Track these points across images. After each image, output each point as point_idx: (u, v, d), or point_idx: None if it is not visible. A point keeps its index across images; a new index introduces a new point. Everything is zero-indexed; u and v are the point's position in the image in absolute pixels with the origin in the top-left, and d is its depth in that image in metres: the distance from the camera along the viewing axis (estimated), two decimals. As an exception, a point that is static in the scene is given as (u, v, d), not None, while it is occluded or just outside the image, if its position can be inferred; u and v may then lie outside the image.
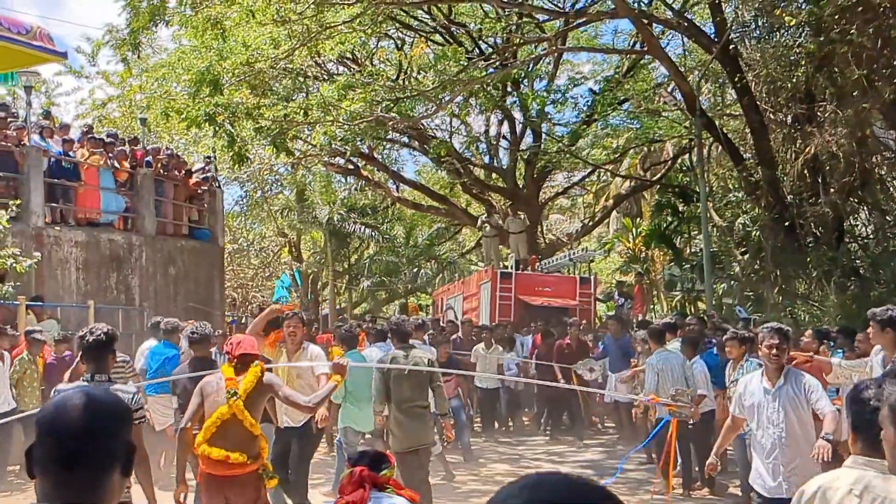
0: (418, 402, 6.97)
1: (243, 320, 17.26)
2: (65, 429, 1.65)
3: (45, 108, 18.22)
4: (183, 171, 15.48)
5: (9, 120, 12.61)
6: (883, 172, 14.82)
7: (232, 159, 15.29)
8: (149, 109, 15.16)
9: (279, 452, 6.82)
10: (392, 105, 16.19)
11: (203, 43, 14.34)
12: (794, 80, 14.50)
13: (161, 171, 14.76)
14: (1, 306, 11.02)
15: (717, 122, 16.95)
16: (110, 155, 13.81)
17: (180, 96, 14.34)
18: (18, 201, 11.48)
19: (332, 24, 14.32)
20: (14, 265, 10.57)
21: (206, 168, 16.59)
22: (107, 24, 15.98)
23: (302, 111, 15.10)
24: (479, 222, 19.41)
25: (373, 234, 26.60)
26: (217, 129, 13.81)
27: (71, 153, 13.16)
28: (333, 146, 17.90)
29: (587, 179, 25.99)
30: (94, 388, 2.14)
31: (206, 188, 16.06)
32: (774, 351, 5.06)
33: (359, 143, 19.72)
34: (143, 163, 14.47)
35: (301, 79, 18.97)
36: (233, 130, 14.12)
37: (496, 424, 13.22)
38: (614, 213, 26.62)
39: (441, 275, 28.80)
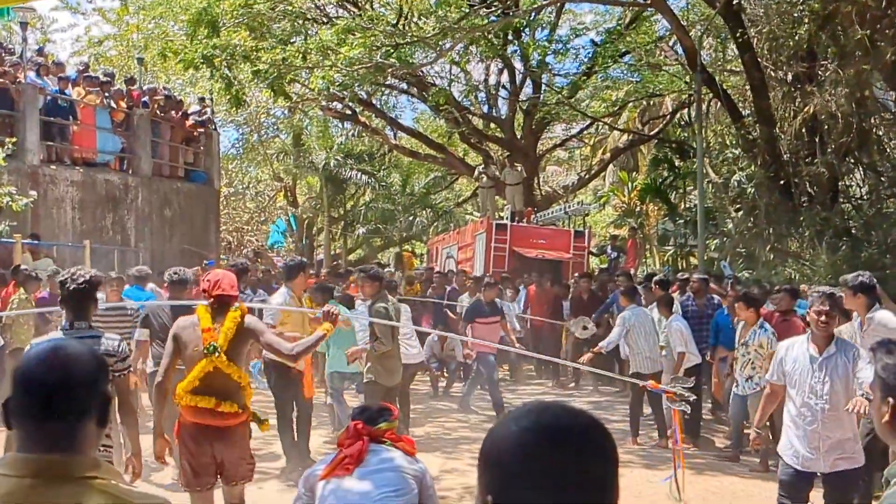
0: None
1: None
2: (36, 381, 1.69)
3: (41, 44, 18.00)
4: (180, 113, 15.38)
5: (4, 57, 12.47)
6: (881, 134, 14.81)
7: (229, 102, 15.22)
8: (146, 49, 15.00)
9: None
10: (391, 51, 16.03)
11: (201, -19, 14.15)
12: (797, 38, 14.40)
13: (158, 112, 14.68)
14: (-3, 244, 11.08)
15: (717, 78, 16.86)
16: (106, 94, 13.72)
17: (178, 37, 14.18)
18: (14, 139, 11.46)
19: (332, -33, 14.14)
20: (10, 203, 10.60)
21: (203, 110, 16.48)
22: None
23: (300, 55, 14.97)
24: (476, 173, 19.40)
25: (369, 180, 26.54)
26: (214, 71, 13.72)
27: (67, 91, 13.06)
28: (332, 91, 17.76)
29: (585, 132, 25.88)
30: (67, 340, 2.14)
31: (202, 130, 15.98)
32: (824, 318, 4.74)
33: (357, 88, 19.59)
34: (140, 103, 14.39)
35: (300, 21, 18.74)
36: (230, 73, 14.02)
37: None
38: (611, 166, 26.59)
39: (436, 223, 28.84)
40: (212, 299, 4.76)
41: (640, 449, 9.04)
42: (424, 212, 28.20)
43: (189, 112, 15.88)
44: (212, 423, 4.58)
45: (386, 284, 8.01)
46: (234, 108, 14.95)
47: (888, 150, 15.09)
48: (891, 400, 2.29)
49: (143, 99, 14.50)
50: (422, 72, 20.62)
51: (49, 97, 12.79)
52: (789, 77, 15.29)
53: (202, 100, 16.93)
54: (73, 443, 1.69)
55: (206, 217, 16.17)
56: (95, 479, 1.68)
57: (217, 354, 4.59)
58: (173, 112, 15.18)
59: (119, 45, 19.34)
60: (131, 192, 14.16)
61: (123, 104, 14.12)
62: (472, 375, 11.20)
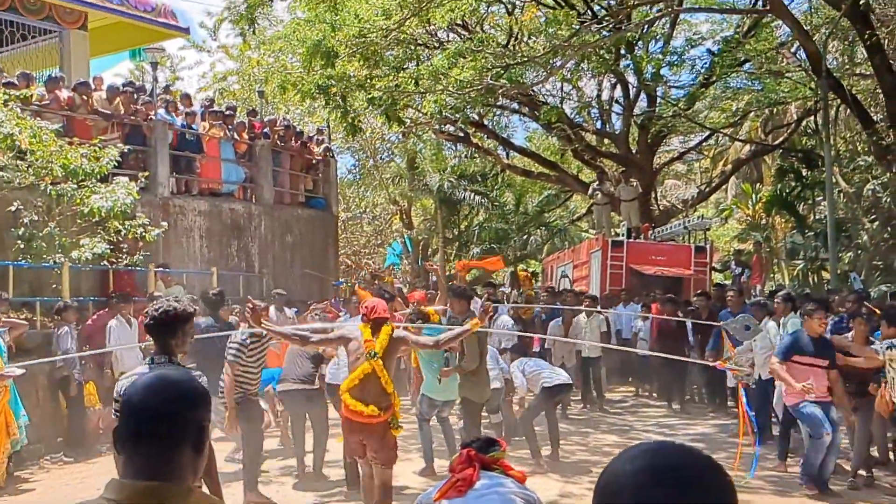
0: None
1: (355, 286, 17.68)
2: (136, 409, 1.79)
3: (169, 82, 19.03)
4: (299, 142, 15.91)
5: (136, 95, 13.24)
6: None
7: (345, 130, 15.62)
8: (266, 82, 15.62)
9: None
10: (502, 72, 16.08)
11: (317, 15, 14.63)
12: (933, 36, 13.56)
13: (278, 141, 15.22)
14: (132, 273, 11.69)
15: (844, 83, 16.05)
16: (230, 127, 14.34)
17: (295, 69, 14.69)
18: (147, 173, 12.11)
19: (444, -8, 14.31)
20: (143, 234, 11.19)
21: (321, 139, 16.99)
22: (228, 0, 16.53)
23: (413, 81, 15.22)
24: (591, 190, 19.13)
25: (482, 201, 26.63)
26: (329, 100, 14.11)
27: (194, 126, 13.73)
28: (444, 114, 17.96)
29: (704, 144, 25.12)
30: (169, 370, 2.23)
31: (321, 158, 16.46)
32: None
33: (469, 110, 19.73)
34: (262, 134, 14.96)
35: (412, 47, 19.08)
36: (344, 103, 14.38)
37: (594, 394, 12.95)
38: (733, 178, 25.69)
39: (551, 241, 28.62)
40: (370, 322, 6.00)
41: (771, 474, 8.60)
42: (538, 230, 28.06)
43: (307, 141, 16.39)
44: (358, 420, 5.87)
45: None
46: (351, 136, 15.33)
47: None
48: None
49: (264, 130, 15.07)
50: (533, 91, 20.56)
51: (178, 132, 13.48)
52: (925, 78, 14.40)
53: (320, 130, 17.46)
54: (170, 470, 1.76)
55: (325, 242, 16.60)
56: None
57: (376, 357, 5.87)
58: (293, 141, 15.71)
59: (242, 79, 20.25)
60: (254, 220, 14.71)
61: (245, 136, 14.72)
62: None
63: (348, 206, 27.14)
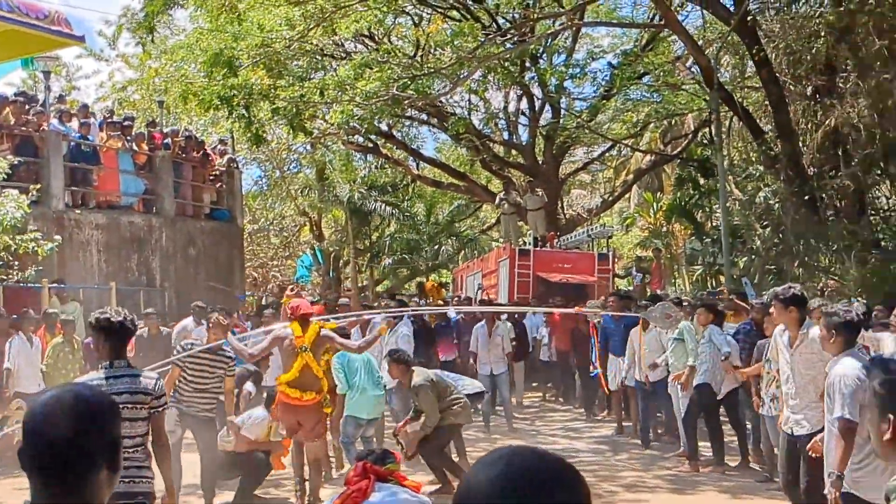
0: None
1: (263, 300, 17.42)
2: (46, 433, 1.65)
3: (65, 91, 18.41)
4: (201, 153, 15.61)
5: (28, 106, 12.76)
6: (905, 144, 14.56)
7: (249, 140, 15.42)
8: (167, 93, 15.29)
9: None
10: (409, 83, 16.18)
11: (218, 26, 14.43)
12: (815, 52, 14.30)
13: (179, 153, 14.90)
14: (25, 290, 11.25)
15: (736, 95, 16.76)
16: (128, 138, 13.97)
17: (197, 79, 14.43)
18: (39, 185, 11.67)
19: (347, 3, 14.33)
20: (35, 249, 10.76)
21: (224, 149, 16.71)
22: (124, 7, 16.10)
23: (318, 91, 15.16)
24: (497, 200, 19.40)
25: (393, 211, 26.63)
26: (233, 111, 13.91)
27: (90, 137, 13.32)
28: (351, 125, 17.93)
29: (607, 154, 25.81)
30: (74, 386, 2.14)
31: (224, 169, 16.19)
32: None
33: (377, 121, 19.73)
34: (162, 145, 14.62)
35: (318, 57, 18.98)
36: (248, 113, 14.21)
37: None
38: (635, 187, 26.46)
39: (462, 251, 28.85)
40: (297, 318, 7.00)
41: (668, 474, 8.88)
42: (450, 240, 28.22)
43: (210, 152, 16.10)
44: (295, 403, 6.92)
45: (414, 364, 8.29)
46: (255, 147, 15.14)
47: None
48: (891, 417, 2.22)
49: (164, 141, 14.73)
50: (441, 102, 20.74)
51: (72, 143, 13.04)
52: (809, 91, 15.17)
53: (222, 140, 17.17)
54: (84, 492, 1.66)
55: (230, 255, 16.32)
56: None
57: (306, 351, 6.87)
58: (195, 152, 15.40)
59: (142, 89, 19.74)
60: (155, 233, 14.35)
61: (145, 147, 14.36)
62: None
63: (255, 217, 26.71)
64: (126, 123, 14.02)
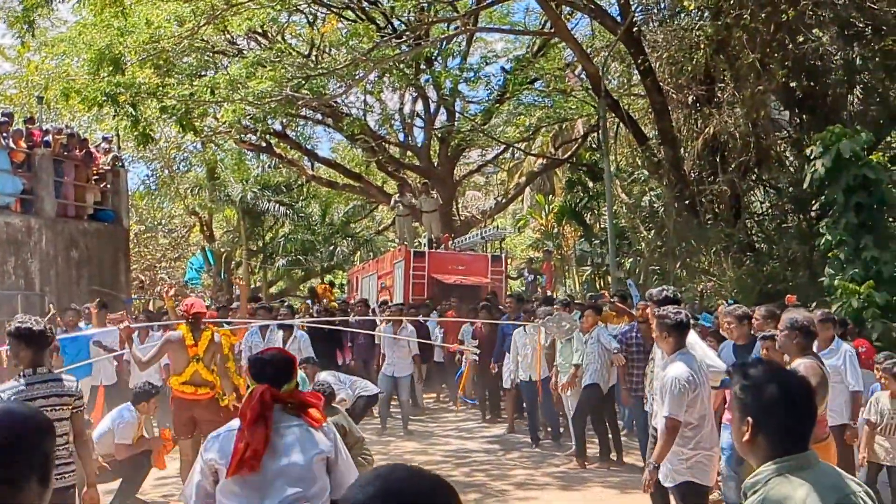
0: None
1: (150, 304, 16.90)
2: None
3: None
4: (84, 151, 14.98)
5: None
6: (778, 151, 15.45)
7: (136, 140, 14.92)
8: (47, 89, 14.61)
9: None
10: (303, 83, 16.02)
11: (103, 20, 13.89)
12: (695, 63, 14.95)
13: (61, 151, 14.26)
14: None
15: (623, 102, 17.34)
16: (5, 135, 13.27)
17: (79, 75, 13.85)
18: None
19: (240, 1, 14.06)
20: None
21: (108, 147, 16.09)
22: (-1, -3, 15.30)
23: (208, 89, 14.80)
24: (392, 201, 19.45)
25: (288, 211, 26.34)
26: (119, 109, 13.44)
27: (-38, 133, 12.60)
28: (243, 124, 17.61)
29: (501, 157, 26.25)
30: (6, 405, 2.21)
31: (109, 168, 15.59)
32: None
33: (269, 121, 19.43)
34: (42, 143, 13.96)
35: (209, 55, 18.55)
36: (135, 111, 13.74)
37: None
38: (528, 189, 27.01)
39: (358, 252, 28.76)
40: (189, 318, 7.02)
41: (558, 471, 9.15)
42: (345, 241, 28.10)
43: (93, 150, 15.47)
44: (190, 398, 7.06)
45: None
46: (142, 146, 14.67)
47: (785, 166, 15.76)
48: (750, 419, 2.38)
49: (44, 138, 14.07)
50: (336, 102, 20.62)
51: (-57, 140, 12.32)
52: (689, 99, 15.87)
53: (106, 138, 16.52)
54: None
55: (115, 257, 15.72)
56: None
57: (199, 362, 6.98)
58: (77, 150, 14.77)
59: (20, 84, 18.78)
60: (34, 235, 13.70)
61: (23, 144, 13.68)
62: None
63: (142, 218, 25.85)
64: (2, 120, 13.32)
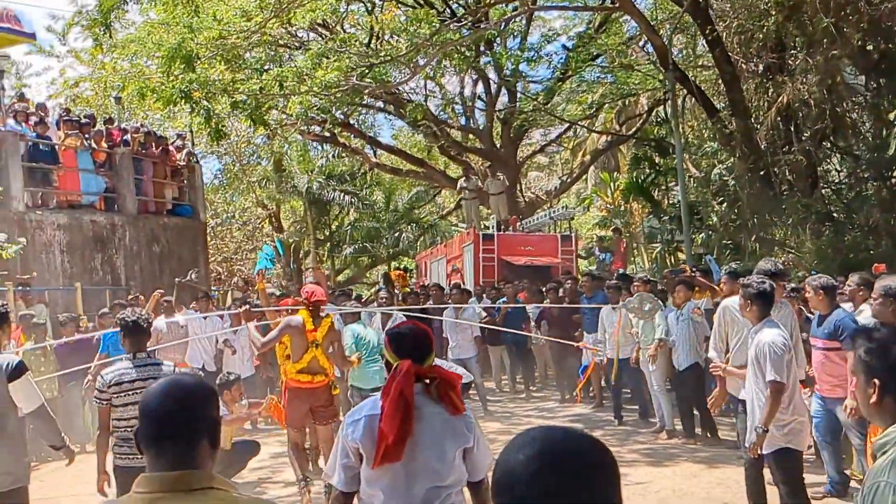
0: None
1: (228, 295, 17.32)
2: (157, 412, 2.02)
3: (17, 89, 18.00)
4: (160, 149, 15.42)
5: (-18, 106, 12.50)
6: (854, 118, 15.02)
7: (209, 135, 15.25)
8: (124, 89, 15.06)
9: None
10: (367, 71, 16.15)
11: (172, 18, 14.19)
12: (765, 30, 14.61)
13: (139, 149, 14.71)
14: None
15: (689, 74, 17.06)
16: (87, 136, 13.75)
17: (154, 74, 14.22)
18: (0, 188, 11.47)
19: (305, -8, 14.22)
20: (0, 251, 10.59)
21: (182, 144, 16.52)
22: (72, 2, 15.73)
23: (277, 83, 15.04)
24: (458, 186, 19.51)
25: (352, 200, 26.63)
26: (194, 106, 13.74)
27: (48, 136, 13.09)
28: (310, 115, 17.85)
29: (564, 136, 26.06)
30: (181, 374, 2.67)
31: (184, 164, 16.02)
32: None
33: (335, 111, 19.66)
34: (121, 142, 14.42)
35: (274, 49, 18.81)
36: (209, 107, 14.04)
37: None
38: (592, 168, 26.77)
39: (422, 238, 28.93)
40: (310, 305, 6.96)
41: (645, 447, 9.15)
42: (410, 227, 28.29)
43: (169, 147, 15.91)
44: (306, 387, 7.05)
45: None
46: (215, 142, 15.02)
47: (862, 133, 15.33)
48: (876, 381, 2.39)
49: (123, 138, 14.52)
50: (397, 89, 20.74)
51: (30, 143, 12.81)
52: (760, 68, 15.52)
53: (180, 135, 16.97)
54: (192, 460, 1.99)
55: (194, 250, 16.17)
56: (213, 489, 1.98)
57: (318, 347, 6.98)
58: (154, 148, 15.21)
59: (95, 85, 19.39)
60: (118, 231, 14.17)
61: (104, 144, 14.14)
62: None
63: (217, 212, 26.46)
64: (84, 121, 13.79)
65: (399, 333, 3.37)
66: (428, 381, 3.26)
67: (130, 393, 4.96)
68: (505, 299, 13.09)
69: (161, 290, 11.06)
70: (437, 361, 9.25)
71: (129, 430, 4.89)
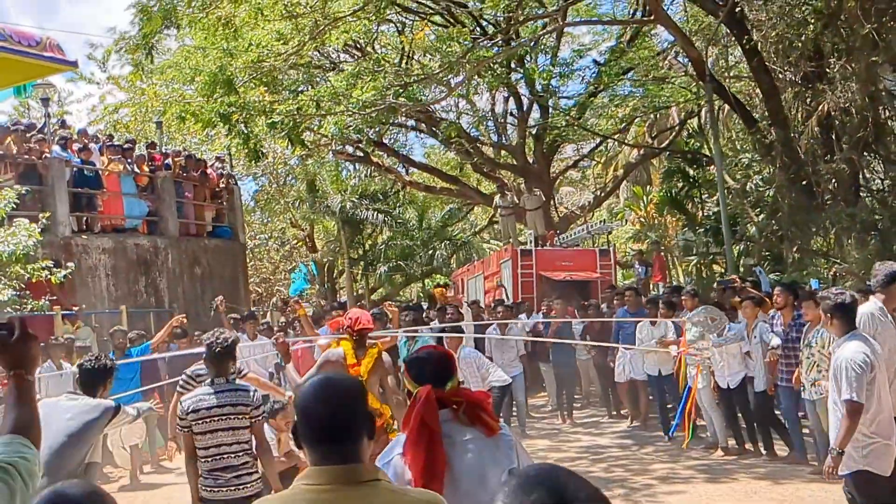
0: None
1: (268, 316, 17.40)
2: (317, 412, 2.13)
3: (59, 117, 18.32)
4: (200, 171, 15.59)
5: (28, 133, 12.72)
6: (896, 124, 14.82)
7: (247, 157, 15.41)
8: (165, 113, 15.27)
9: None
10: (401, 90, 16.24)
11: (212, 42, 14.40)
12: (803, 39, 14.47)
13: (180, 172, 14.89)
14: (38, 318, 11.18)
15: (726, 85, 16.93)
16: (129, 160, 13.94)
17: (194, 98, 14.42)
18: (48, 213, 11.63)
19: (340, 15, 14.36)
20: (49, 277, 10.74)
21: (221, 166, 16.70)
22: (111, 30, 16.04)
23: (314, 103, 15.17)
24: (494, 203, 19.49)
25: (386, 219, 26.69)
26: (232, 128, 13.91)
27: (92, 161, 13.29)
28: (345, 135, 17.97)
29: (596, 151, 25.98)
30: (334, 374, 2.84)
31: (224, 186, 16.18)
32: None
33: (367, 130, 19.76)
34: (163, 166, 14.60)
35: (308, 70, 18.99)
36: (247, 129, 14.21)
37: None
38: (624, 182, 26.64)
39: (455, 255, 28.91)
40: (354, 334, 5.97)
41: (699, 463, 9.02)
42: (443, 245, 28.27)
43: (209, 169, 16.09)
44: None
45: None
46: (254, 162, 15.17)
47: (905, 139, 15.08)
48: None
49: (165, 161, 14.71)
50: (430, 107, 20.82)
51: (75, 169, 13.01)
52: (799, 78, 15.37)
53: (219, 157, 17.16)
54: (357, 455, 2.11)
55: (234, 271, 16.30)
56: (379, 480, 2.11)
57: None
58: (194, 171, 15.38)
59: (134, 109, 19.69)
60: (161, 254, 14.33)
61: (146, 168, 14.34)
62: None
63: (255, 233, 26.66)
64: (127, 146, 14.00)
65: (417, 359, 3.21)
66: (455, 405, 3.00)
67: (208, 420, 4.82)
68: (554, 314, 12.86)
69: (183, 315, 10.69)
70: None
71: (210, 459, 4.81)
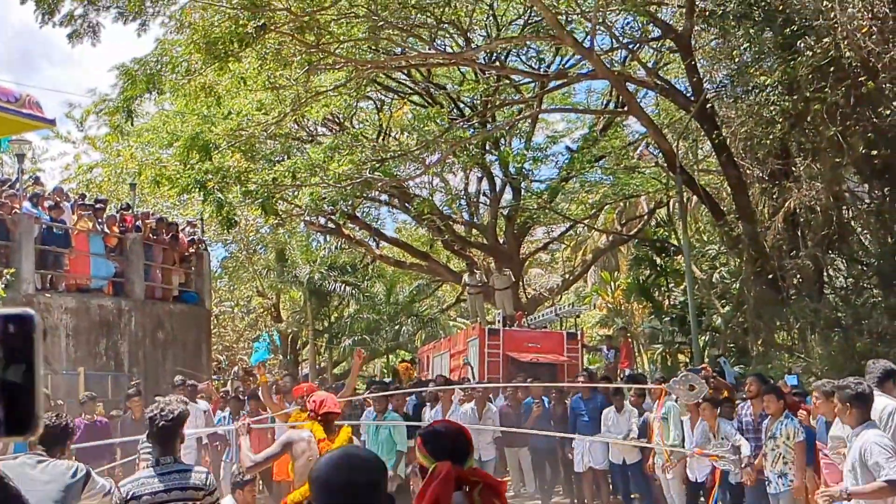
0: None
1: (228, 384, 17.06)
2: (337, 484, 2.12)
3: (32, 174, 18.20)
4: (171, 235, 15.48)
5: (0, 189, 12.59)
6: (859, 225, 15.23)
7: (220, 224, 15.36)
8: (140, 176, 15.23)
9: None
10: (378, 165, 16.43)
11: (192, 109, 14.51)
12: (771, 137, 14.93)
13: (150, 235, 14.76)
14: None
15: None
16: (100, 220, 13.81)
17: (170, 162, 14.44)
18: (12, 270, 11.42)
19: (322, 90, 14.59)
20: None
21: (193, 231, 16.60)
22: (90, 91, 16.12)
23: (290, 174, 15.26)
24: (463, 280, 19.54)
25: (353, 291, 26.61)
26: (207, 195, 13.90)
27: (62, 220, 13.15)
28: (319, 206, 18.02)
29: (566, 234, 26.32)
30: (353, 448, 2.86)
31: (194, 251, 16.05)
32: None
33: (342, 203, 19.85)
34: (133, 227, 14.48)
35: (288, 141, 19.17)
36: (222, 196, 14.20)
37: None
38: (592, 267, 26.92)
39: (421, 331, 28.77)
40: (319, 417, 5.62)
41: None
42: (410, 320, 28.17)
43: (179, 233, 15.98)
44: None
45: None
46: (226, 230, 15.11)
47: (867, 241, 15.49)
48: None
49: (136, 223, 14.60)
50: (405, 183, 21.02)
51: (44, 226, 12.85)
52: (766, 174, 15.80)
53: (191, 222, 17.08)
54: None
55: (198, 338, 16.04)
56: None
57: None
58: (165, 234, 15.26)
59: (108, 170, 19.62)
60: (124, 317, 14.08)
61: (116, 229, 14.20)
62: None
63: (221, 299, 26.36)
64: (98, 206, 13.89)
65: (435, 432, 3.03)
66: (468, 486, 2.85)
67: None
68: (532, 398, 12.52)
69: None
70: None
71: None
